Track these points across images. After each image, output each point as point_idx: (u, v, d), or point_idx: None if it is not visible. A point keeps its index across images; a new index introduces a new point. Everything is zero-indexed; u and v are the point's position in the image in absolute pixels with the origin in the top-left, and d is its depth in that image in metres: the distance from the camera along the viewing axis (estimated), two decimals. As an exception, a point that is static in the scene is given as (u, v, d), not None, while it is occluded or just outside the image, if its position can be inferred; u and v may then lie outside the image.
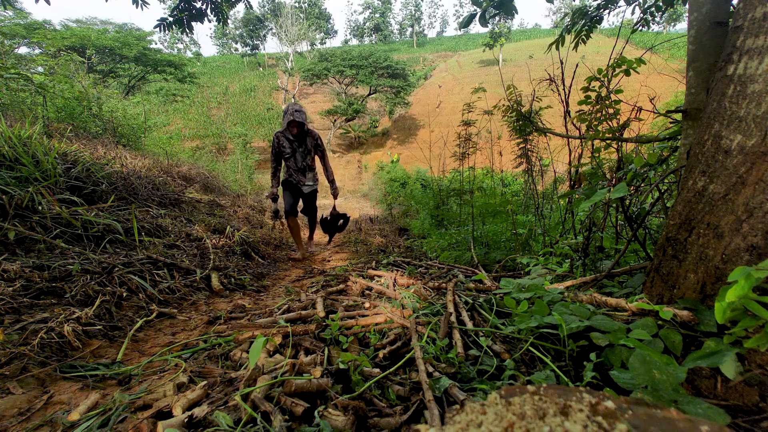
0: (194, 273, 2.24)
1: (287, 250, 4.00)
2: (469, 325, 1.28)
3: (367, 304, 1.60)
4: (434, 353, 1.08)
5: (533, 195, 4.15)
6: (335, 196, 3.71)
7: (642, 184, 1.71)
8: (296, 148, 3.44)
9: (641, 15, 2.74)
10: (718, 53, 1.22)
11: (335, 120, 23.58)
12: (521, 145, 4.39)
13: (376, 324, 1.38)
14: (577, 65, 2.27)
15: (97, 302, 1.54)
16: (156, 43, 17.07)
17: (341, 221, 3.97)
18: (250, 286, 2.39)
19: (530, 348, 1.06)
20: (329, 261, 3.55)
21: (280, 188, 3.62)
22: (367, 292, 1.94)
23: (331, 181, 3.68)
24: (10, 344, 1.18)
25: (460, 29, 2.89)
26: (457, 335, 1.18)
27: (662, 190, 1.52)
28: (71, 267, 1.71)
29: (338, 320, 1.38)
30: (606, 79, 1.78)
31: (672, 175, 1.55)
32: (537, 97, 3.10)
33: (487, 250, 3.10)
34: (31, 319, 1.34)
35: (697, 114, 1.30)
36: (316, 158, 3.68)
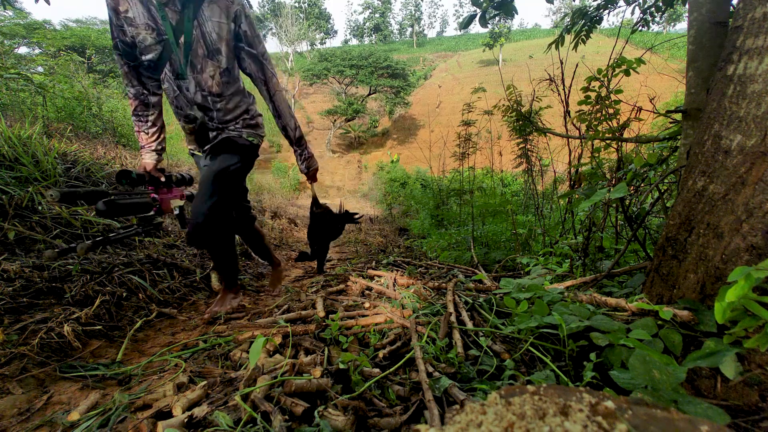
0: (194, 273, 2.24)
1: (287, 249, 3.97)
2: (469, 325, 1.28)
3: (367, 304, 1.60)
4: (434, 353, 1.08)
5: (533, 195, 4.15)
6: (311, 176, 1.84)
7: (642, 184, 1.71)
8: (169, 33, 1.35)
9: (641, 15, 2.74)
10: (718, 53, 1.22)
11: (335, 120, 23.57)
12: (521, 145, 4.39)
13: (376, 324, 1.38)
14: (577, 65, 2.27)
15: (97, 302, 1.54)
16: (156, 43, 17.03)
17: (337, 224, 2.10)
18: (249, 286, 2.39)
19: (530, 348, 1.06)
20: (329, 261, 3.55)
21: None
22: (367, 292, 1.94)
23: (298, 140, 1.69)
24: (10, 344, 1.18)
25: (460, 30, 2.87)
26: (457, 335, 1.18)
27: (662, 190, 1.52)
28: (71, 267, 1.71)
29: (338, 320, 1.38)
30: (606, 79, 1.78)
31: (672, 175, 1.55)
32: (537, 97, 3.10)
33: (487, 250, 3.10)
34: (30, 319, 1.34)
35: (697, 114, 1.29)
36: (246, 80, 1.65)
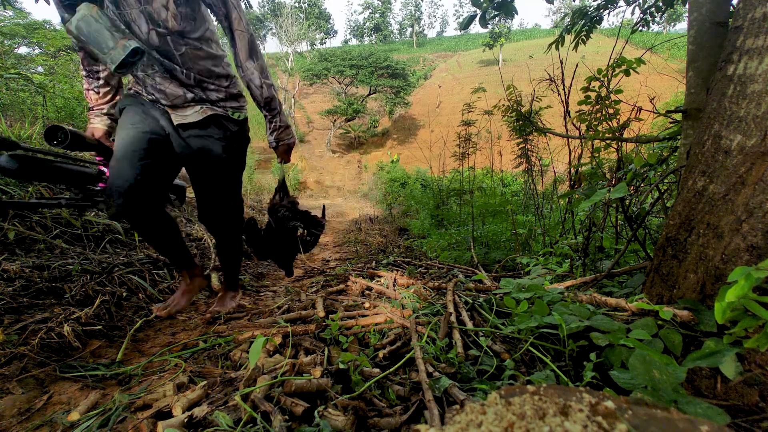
0: (194, 273, 2.24)
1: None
2: (469, 325, 1.28)
3: (367, 304, 1.60)
4: (434, 353, 1.08)
5: (533, 195, 4.15)
6: (282, 152, 1.48)
7: (642, 184, 1.71)
8: None
9: (641, 15, 2.74)
10: (718, 53, 1.22)
11: (335, 120, 23.56)
12: (521, 145, 4.39)
13: (376, 324, 1.38)
14: (577, 65, 2.27)
15: (97, 302, 1.54)
16: (156, 43, 16.99)
17: (303, 233, 1.61)
18: (249, 286, 2.39)
19: (530, 348, 1.06)
20: (329, 261, 3.55)
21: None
22: (367, 292, 1.94)
23: (267, 102, 1.38)
24: (10, 344, 1.18)
25: (460, 30, 2.86)
26: (457, 335, 1.18)
27: (662, 190, 1.52)
28: (71, 267, 1.71)
29: (338, 320, 1.38)
30: (606, 79, 1.78)
31: (672, 175, 1.55)
32: (537, 97, 3.11)
33: (487, 250, 3.10)
34: (30, 319, 1.34)
35: (697, 114, 1.30)
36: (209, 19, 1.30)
